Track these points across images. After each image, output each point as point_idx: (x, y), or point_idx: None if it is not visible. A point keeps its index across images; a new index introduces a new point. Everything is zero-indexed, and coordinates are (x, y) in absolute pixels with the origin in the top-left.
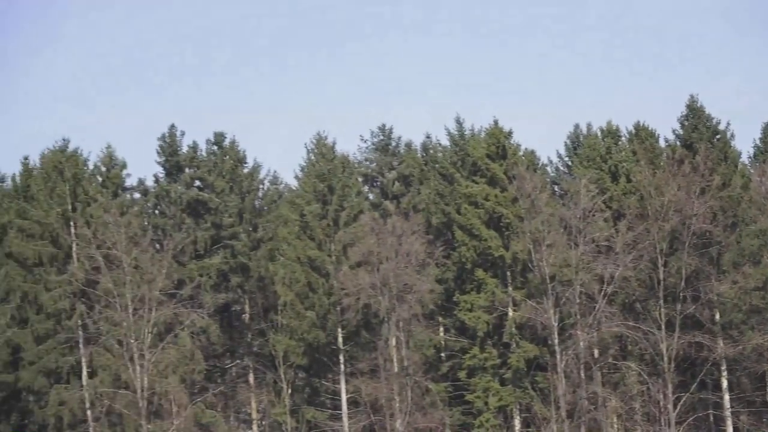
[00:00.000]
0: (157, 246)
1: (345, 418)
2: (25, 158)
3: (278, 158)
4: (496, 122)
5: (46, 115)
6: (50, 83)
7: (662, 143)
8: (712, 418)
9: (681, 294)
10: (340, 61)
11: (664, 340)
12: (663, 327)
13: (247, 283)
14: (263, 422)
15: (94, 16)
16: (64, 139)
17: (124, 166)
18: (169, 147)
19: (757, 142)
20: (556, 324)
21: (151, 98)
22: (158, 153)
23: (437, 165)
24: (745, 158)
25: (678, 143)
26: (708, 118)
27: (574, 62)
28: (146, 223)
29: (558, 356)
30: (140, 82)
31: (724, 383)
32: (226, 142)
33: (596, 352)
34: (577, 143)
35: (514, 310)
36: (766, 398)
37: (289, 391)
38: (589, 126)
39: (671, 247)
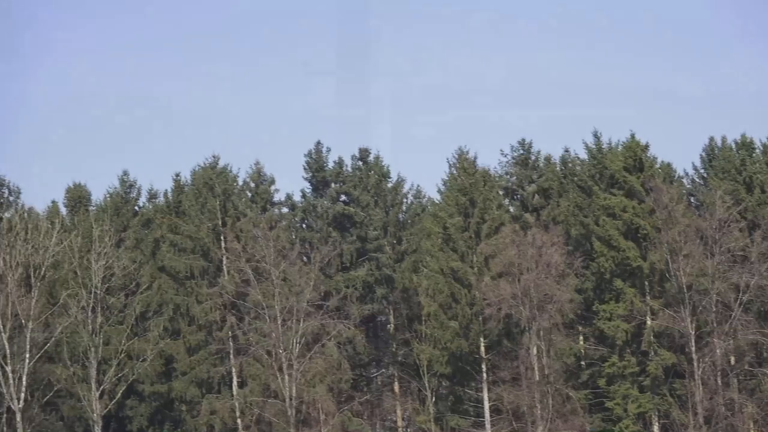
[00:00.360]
0: (305, 259)
1: (488, 426)
2: (177, 175)
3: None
4: (632, 135)
5: (197, 133)
6: (199, 104)
7: None
8: None
9: None
10: (480, 75)
11: None
12: None
13: (391, 294)
14: (408, 430)
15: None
16: (214, 156)
17: (272, 181)
18: (315, 163)
19: None
20: (693, 332)
21: (297, 115)
22: (305, 169)
23: (576, 178)
24: None
25: None
26: None
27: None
28: (294, 237)
29: (695, 364)
30: (288, 100)
31: None
32: (371, 158)
33: (732, 360)
34: (712, 155)
35: (652, 319)
36: None
37: (433, 399)
38: (723, 139)
39: None
